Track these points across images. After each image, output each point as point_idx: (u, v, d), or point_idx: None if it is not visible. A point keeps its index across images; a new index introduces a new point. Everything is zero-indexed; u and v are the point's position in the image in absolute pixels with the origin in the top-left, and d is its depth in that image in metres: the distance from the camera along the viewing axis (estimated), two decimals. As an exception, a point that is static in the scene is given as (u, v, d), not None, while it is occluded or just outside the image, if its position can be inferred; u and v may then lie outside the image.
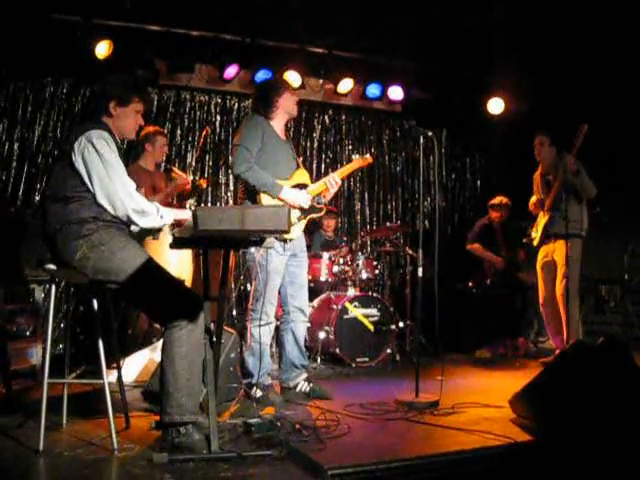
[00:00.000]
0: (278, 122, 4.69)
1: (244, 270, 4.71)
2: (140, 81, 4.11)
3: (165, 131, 7.30)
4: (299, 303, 4.69)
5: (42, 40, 6.41)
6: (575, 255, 5.89)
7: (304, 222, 4.66)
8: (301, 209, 4.57)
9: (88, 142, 3.32)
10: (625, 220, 6.11)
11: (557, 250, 6.01)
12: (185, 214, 3.46)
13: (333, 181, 4.73)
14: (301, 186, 4.67)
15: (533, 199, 6.39)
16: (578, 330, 5.85)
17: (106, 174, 3.29)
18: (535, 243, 6.28)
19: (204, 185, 6.03)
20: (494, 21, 6.68)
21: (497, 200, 7.51)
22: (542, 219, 6.14)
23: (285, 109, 4.67)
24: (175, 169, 5.87)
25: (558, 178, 5.92)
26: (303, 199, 4.57)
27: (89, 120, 3.55)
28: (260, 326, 4.41)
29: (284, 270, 4.60)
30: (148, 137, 5.81)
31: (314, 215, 4.75)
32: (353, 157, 5.17)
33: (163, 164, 7.10)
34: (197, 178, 7.33)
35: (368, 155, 5.15)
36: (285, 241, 4.49)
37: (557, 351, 6.24)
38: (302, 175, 4.78)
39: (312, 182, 4.83)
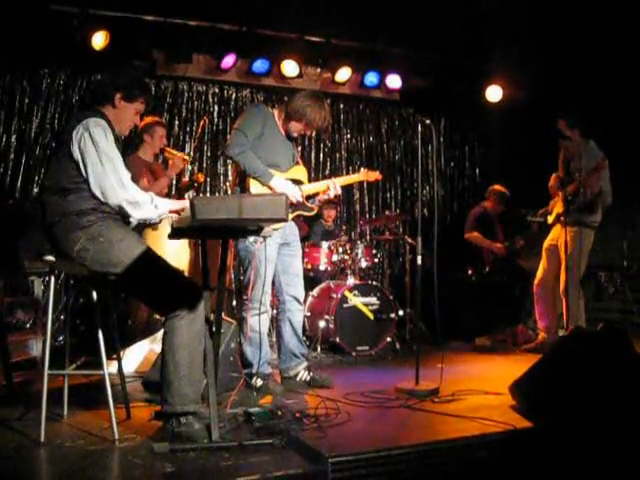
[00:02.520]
0: (282, 120, 4.66)
1: (237, 260, 4.69)
2: (146, 81, 4.10)
3: (164, 121, 7.30)
4: (294, 292, 4.68)
5: (39, 31, 6.39)
6: (583, 245, 5.88)
7: (290, 216, 4.59)
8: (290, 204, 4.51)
9: (85, 130, 3.31)
10: (624, 207, 6.11)
11: (564, 239, 5.95)
12: (181, 204, 3.45)
13: (332, 187, 4.70)
14: (296, 182, 4.65)
15: (552, 181, 6.33)
16: (576, 321, 5.83)
17: (100, 164, 3.28)
18: (549, 221, 6.27)
19: (201, 179, 5.99)
20: (493, 8, 6.66)
21: (492, 188, 7.53)
22: (558, 204, 6.08)
23: (295, 127, 4.62)
24: (168, 149, 5.82)
25: (577, 183, 5.87)
26: (293, 192, 4.54)
27: (88, 109, 3.53)
28: (258, 315, 4.41)
29: (277, 259, 4.60)
30: (147, 128, 5.77)
31: (303, 213, 4.72)
32: (362, 170, 5.17)
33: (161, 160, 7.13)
34: (195, 171, 7.33)
35: (377, 172, 5.14)
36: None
37: (540, 334, 6.28)
38: (300, 172, 4.75)
39: (310, 181, 4.82)
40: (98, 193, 3.30)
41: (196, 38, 7.10)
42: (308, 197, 4.72)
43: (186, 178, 5.80)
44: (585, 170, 5.82)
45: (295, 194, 4.56)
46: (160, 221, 3.54)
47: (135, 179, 3.46)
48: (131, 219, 3.42)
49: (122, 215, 3.40)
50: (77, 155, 3.31)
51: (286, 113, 4.60)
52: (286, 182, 4.53)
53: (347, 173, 8.41)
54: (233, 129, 4.53)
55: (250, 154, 4.38)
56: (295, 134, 4.70)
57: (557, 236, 6.07)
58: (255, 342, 4.44)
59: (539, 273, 6.32)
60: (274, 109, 4.73)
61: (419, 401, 4.06)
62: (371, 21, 6.98)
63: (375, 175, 5.12)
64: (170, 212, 3.43)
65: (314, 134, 8.23)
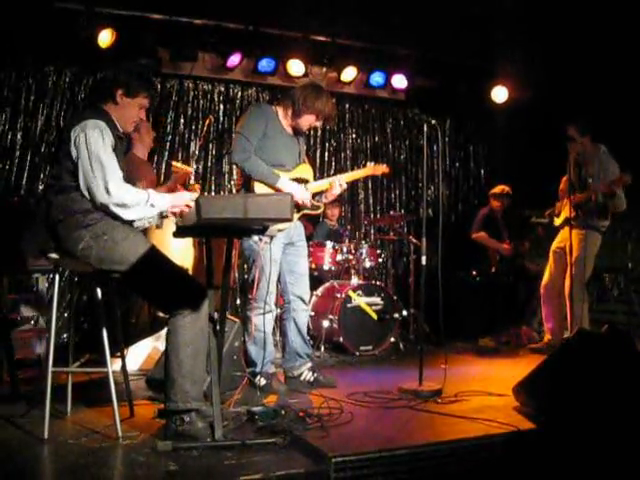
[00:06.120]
0: (285, 118, 4.64)
1: (242, 259, 4.68)
2: (150, 76, 4.07)
3: (168, 119, 7.35)
4: (299, 291, 4.67)
5: (45, 29, 6.39)
6: (590, 248, 5.87)
7: (297, 216, 4.59)
8: (296, 204, 4.48)
9: (82, 131, 3.31)
10: (629, 208, 6.09)
11: (572, 241, 5.90)
12: (183, 198, 3.40)
13: (338, 183, 4.66)
14: (302, 181, 4.64)
15: (562, 184, 6.31)
16: (580, 324, 5.81)
17: (90, 167, 3.28)
18: (557, 223, 6.26)
19: (197, 190, 5.94)
20: (499, 8, 6.64)
21: (498, 189, 7.52)
22: (566, 208, 6.00)
23: (307, 120, 4.59)
24: (175, 163, 5.85)
25: (591, 193, 5.85)
26: (301, 194, 4.52)
27: (90, 108, 3.54)
28: (263, 315, 4.42)
29: (282, 259, 4.59)
30: None
31: (310, 212, 4.69)
32: (369, 164, 5.13)
33: (166, 157, 7.19)
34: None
35: (384, 165, 5.12)
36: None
37: (546, 336, 6.29)
38: (305, 170, 4.73)
39: (315, 178, 4.81)
40: (85, 193, 3.31)
41: (202, 37, 7.10)
42: (314, 195, 4.70)
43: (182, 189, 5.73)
44: (597, 177, 5.82)
45: (302, 196, 4.53)
46: (163, 217, 3.51)
47: (134, 178, 3.44)
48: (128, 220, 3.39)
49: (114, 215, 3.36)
50: (74, 154, 3.32)
51: (295, 109, 4.55)
52: (292, 184, 4.50)
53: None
54: (235, 132, 4.50)
55: (254, 159, 4.36)
56: (305, 128, 4.69)
57: (565, 239, 6.01)
58: (259, 341, 4.44)
59: (546, 275, 6.31)
60: (277, 107, 4.68)
61: (422, 402, 4.07)
62: (377, 21, 6.97)
63: (382, 168, 5.09)
64: (173, 207, 3.38)
65: (319, 133, 8.31)
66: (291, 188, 4.45)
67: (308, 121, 4.60)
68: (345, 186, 4.72)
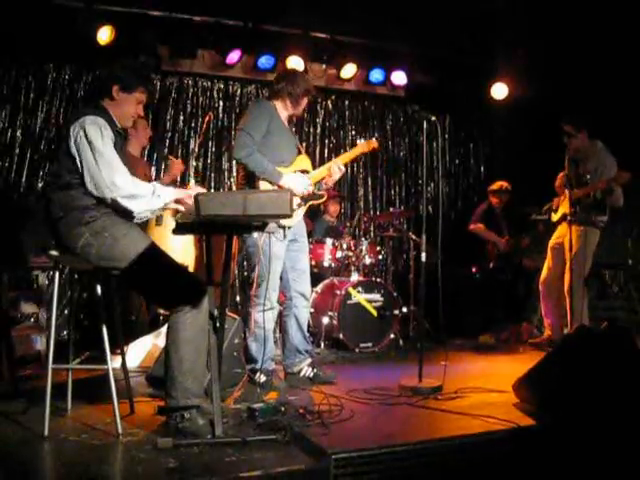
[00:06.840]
0: (285, 110, 4.66)
1: (245, 256, 4.70)
2: (147, 71, 4.06)
3: (168, 117, 7.34)
4: (301, 288, 4.68)
5: (44, 26, 6.39)
6: (588, 244, 5.87)
7: (304, 209, 4.62)
8: (302, 197, 4.54)
9: (81, 128, 3.31)
10: (629, 204, 6.08)
11: (571, 237, 5.90)
12: (186, 192, 3.42)
13: (336, 167, 4.66)
14: (302, 172, 4.64)
15: (559, 181, 6.32)
16: (580, 320, 5.81)
17: (94, 162, 3.27)
18: (554, 219, 6.26)
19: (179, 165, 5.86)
20: (499, 5, 6.64)
21: (497, 185, 7.52)
22: (565, 203, 6.02)
23: (299, 109, 4.71)
24: (171, 157, 5.85)
25: (589, 189, 5.84)
26: (304, 186, 4.53)
27: (88, 104, 3.54)
28: (263, 311, 4.42)
29: (284, 255, 4.59)
30: None
31: (315, 202, 4.71)
32: (358, 142, 5.12)
33: (166, 152, 7.16)
34: (199, 168, 7.31)
35: (374, 139, 5.10)
36: (284, 228, 4.45)
37: (546, 331, 6.30)
38: (303, 161, 4.74)
39: (314, 168, 4.80)
40: (94, 192, 3.29)
41: (201, 34, 7.10)
42: (315, 184, 4.70)
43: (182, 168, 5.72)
44: (595, 173, 5.82)
45: (307, 188, 4.55)
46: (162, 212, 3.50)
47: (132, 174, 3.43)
48: (134, 213, 3.40)
49: (124, 211, 3.37)
50: (74, 151, 3.31)
51: (293, 99, 4.61)
52: (295, 177, 4.52)
53: (351, 169, 8.42)
54: (238, 129, 4.51)
55: (257, 156, 4.36)
56: (301, 112, 4.83)
57: (563, 235, 6.03)
58: (260, 338, 4.44)
59: (544, 271, 6.32)
60: (275, 102, 4.69)
61: (422, 398, 4.07)
62: (376, 17, 6.96)
63: (373, 144, 5.04)
64: (176, 201, 3.40)
65: (319, 130, 8.31)
66: (294, 183, 4.46)
67: (304, 104, 4.73)
68: (343, 169, 4.73)
